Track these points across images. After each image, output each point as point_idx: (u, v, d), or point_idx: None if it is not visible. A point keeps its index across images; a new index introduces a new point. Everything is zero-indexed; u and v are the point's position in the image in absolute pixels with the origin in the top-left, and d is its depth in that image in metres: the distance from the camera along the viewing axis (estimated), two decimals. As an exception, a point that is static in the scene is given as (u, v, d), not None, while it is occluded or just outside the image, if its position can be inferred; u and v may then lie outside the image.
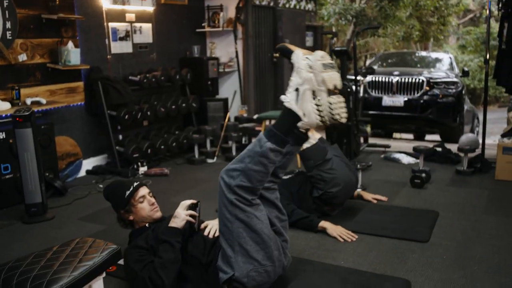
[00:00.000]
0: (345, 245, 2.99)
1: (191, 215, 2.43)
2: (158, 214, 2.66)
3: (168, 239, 2.31)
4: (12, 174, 3.93)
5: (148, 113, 5.15)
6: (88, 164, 4.92)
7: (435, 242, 3.00)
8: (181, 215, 2.41)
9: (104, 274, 1.82)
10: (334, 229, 3.13)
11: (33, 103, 4.18)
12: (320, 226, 3.16)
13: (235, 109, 6.38)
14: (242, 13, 6.29)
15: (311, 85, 2.01)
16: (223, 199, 2.15)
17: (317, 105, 2.01)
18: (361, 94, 5.21)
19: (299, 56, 2.05)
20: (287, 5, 8.48)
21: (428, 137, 9.40)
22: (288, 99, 2.06)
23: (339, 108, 2.03)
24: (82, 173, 4.84)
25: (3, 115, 3.92)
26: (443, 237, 3.07)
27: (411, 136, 9.69)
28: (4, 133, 3.86)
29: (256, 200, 2.18)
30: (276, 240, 2.27)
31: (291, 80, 2.07)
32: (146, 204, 2.62)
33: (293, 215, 3.15)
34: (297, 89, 2.03)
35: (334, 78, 2.05)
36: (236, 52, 6.39)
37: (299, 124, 2.05)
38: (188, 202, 2.49)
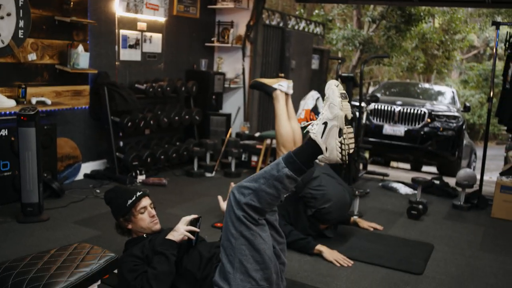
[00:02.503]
0: (339, 271, 2.98)
1: (190, 231, 2.42)
2: (157, 226, 2.65)
3: (163, 251, 2.30)
4: (10, 172, 3.92)
5: (151, 122, 5.16)
6: (86, 167, 4.91)
7: (429, 275, 2.99)
8: (180, 230, 2.41)
9: (99, 282, 1.81)
10: (330, 253, 3.13)
11: (38, 102, 4.18)
12: (316, 249, 3.15)
13: (238, 125, 6.40)
14: (252, 31, 6.35)
15: (340, 123, 2.03)
16: (230, 214, 2.15)
17: (341, 143, 2.03)
18: (363, 121, 5.23)
19: (335, 92, 2.06)
20: (296, 27, 8.57)
21: (425, 168, 9.44)
22: (315, 131, 2.08)
23: (349, 139, 2.05)
24: (80, 176, 4.83)
25: (7, 112, 3.92)
26: (437, 271, 3.07)
27: (408, 166, 9.73)
28: (6, 130, 3.86)
29: (262, 220, 2.19)
30: (276, 263, 2.27)
31: (321, 113, 2.10)
32: (147, 215, 2.61)
33: (290, 236, 3.14)
34: (325, 123, 2.05)
35: (348, 108, 2.07)
36: (243, 69, 6.43)
37: (319, 157, 2.07)
38: (189, 217, 2.48)
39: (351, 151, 2.05)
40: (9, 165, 3.91)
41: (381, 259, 3.18)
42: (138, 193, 2.63)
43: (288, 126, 3.45)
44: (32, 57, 4.19)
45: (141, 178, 4.82)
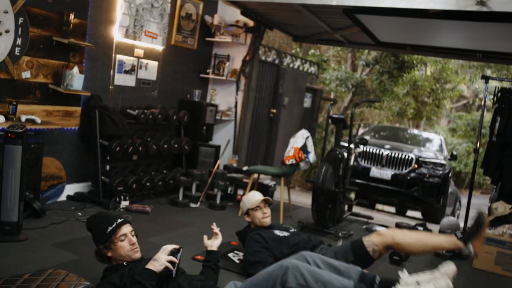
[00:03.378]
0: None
1: (170, 261, 2.39)
2: (138, 255, 2.61)
3: (142, 281, 2.26)
4: (-8, 189, 3.85)
5: (140, 148, 5.14)
6: (70, 189, 4.86)
7: (408, 324, 2.95)
8: (161, 259, 2.37)
9: (73, 310, 1.76)
10: None
11: (27, 120, 4.16)
12: None
13: (226, 158, 6.40)
14: (248, 66, 6.43)
15: None
16: None
17: None
18: (351, 163, 5.26)
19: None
20: (291, 65, 8.71)
21: (410, 213, 9.46)
22: (407, 282, 2.13)
23: None
24: (63, 197, 4.77)
25: (-4, 128, 3.89)
26: (415, 320, 3.03)
27: (393, 209, 9.75)
28: (-8, 146, 3.82)
29: None
30: None
31: (423, 274, 2.18)
32: (127, 243, 2.57)
33: (258, 266, 3.11)
34: (418, 283, 2.11)
35: None
36: (236, 102, 6.48)
37: None
38: (170, 247, 2.45)
39: None
40: (-8, 182, 3.84)
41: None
42: (119, 220, 2.60)
43: None
44: (26, 75, 4.20)
45: (124, 204, 4.77)
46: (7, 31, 3.95)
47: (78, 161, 4.91)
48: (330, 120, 5.17)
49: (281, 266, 2.15)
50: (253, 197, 3.65)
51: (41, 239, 3.60)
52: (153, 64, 5.62)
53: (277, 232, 3.45)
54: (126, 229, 2.60)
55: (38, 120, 4.26)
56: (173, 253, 2.42)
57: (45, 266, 3.11)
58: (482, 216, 3.03)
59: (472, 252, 3.04)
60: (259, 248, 3.26)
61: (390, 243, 3.08)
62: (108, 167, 5.06)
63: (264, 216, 3.59)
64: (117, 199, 4.78)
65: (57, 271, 1.78)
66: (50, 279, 1.71)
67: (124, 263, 2.55)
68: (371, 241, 3.10)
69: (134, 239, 2.62)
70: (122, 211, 4.65)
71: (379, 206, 10.04)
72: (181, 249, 2.46)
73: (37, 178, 4.26)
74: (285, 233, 3.45)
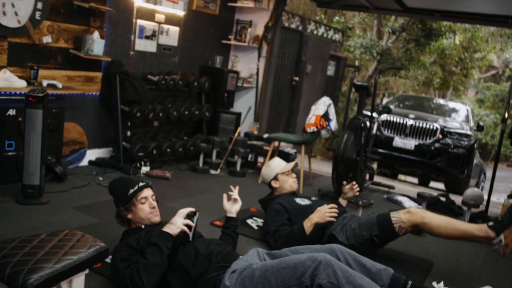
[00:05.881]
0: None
1: (187, 225, 2.39)
2: (157, 218, 2.63)
3: (157, 242, 2.27)
4: (15, 152, 3.92)
5: (160, 114, 5.14)
6: (92, 154, 4.91)
7: (426, 294, 2.93)
8: (177, 223, 2.37)
9: (87, 271, 1.78)
10: (320, 215, 3.07)
11: (49, 85, 4.18)
12: (308, 227, 3.07)
13: (247, 125, 6.37)
14: (270, 32, 6.31)
15: None
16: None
17: None
18: (374, 132, 5.16)
19: None
20: (315, 32, 8.53)
21: (432, 184, 9.34)
22: None
23: None
24: (84, 162, 4.83)
25: (17, 93, 3.92)
26: (434, 290, 3.00)
27: (415, 180, 9.64)
28: (15, 110, 3.86)
29: None
30: None
31: None
32: (147, 206, 2.59)
33: (282, 240, 3.09)
34: None
35: None
36: (258, 69, 6.40)
37: None
38: (186, 210, 2.45)
39: None
40: (14, 145, 3.91)
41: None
42: (141, 183, 2.63)
43: None
44: (47, 39, 4.19)
45: (145, 169, 4.80)
46: (27, -5, 3.92)
47: (99, 127, 4.94)
48: (353, 88, 5.07)
49: (314, 259, 2.09)
50: (282, 163, 3.61)
51: (62, 202, 3.66)
52: (174, 30, 5.56)
53: (298, 200, 3.40)
54: (147, 192, 2.62)
55: (59, 85, 4.27)
56: (189, 216, 2.41)
57: (65, 228, 3.16)
58: None
59: (503, 242, 2.89)
60: (279, 218, 3.24)
61: (418, 222, 3.01)
62: (129, 133, 5.09)
63: (294, 181, 3.57)
64: (138, 164, 4.81)
65: (73, 232, 1.79)
66: (66, 240, 1.72)
67: (142, 226, 2.57)
68: (398, 218, 3.05)
69: (155, 203, 2.64)
70: (142, 177, 4.69)
71: (401, 177, 9.94)
72: (198, 212, 2.45)
73: (58, 143, 4.30)
74: (307, 202, 3.42)
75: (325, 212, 3.09)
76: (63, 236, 1.77)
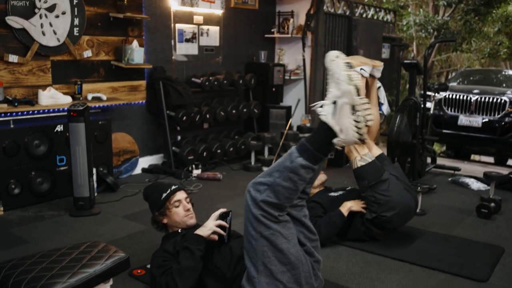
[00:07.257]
0: (390, 275, 2.73)
1: (220, 226, 2.30)
2: (192, 221, 2.57)
3: (189, 246, 2.21)
4: (67, 166, 4.02)
5: (207, 115, 5.11)
6: (144, 162, 4.96)
7: (495, 283, 2.65)
8: (208, 224, 2.30)
9: (111, 282, 1.73)
10: (355, 203, 3.11)
11: (94, 98, 4.26)
12: (345, 212, 3.07)
13: (298, 118, 6.20)
14: (312, 20, 6.11)
15: (351, 99, 1.80)
16: (248, 214, 2.00)
17: (355, 121, 1.80)
18: (431, 111, 4.83)
19: (338, 65, 1.85)
20: (364, 15, 8.19)
21: (511, 162, 8.68)
22: (325, 112, 1.86)
23: (365, 111, 1.81)
24: (137, 170, 4.89)
25: (63, 109, 4.02)
26: (505, 279, 2.72)
27: (491, 159, 9.01)
28: (62, 126, 3.96)
29: (284, 216, 2.02)
30: (306, 261, 2.10)
31: (328, 91, 1.88)
32: (181, 209, 2.55)
33: (321, 228, 2.99)
34: (334, 102, 1.83)
35: (356, 78, 1.83)
36: (304, 60, 6.21)
37: (335, 140, 1.85)
38: (218, 212, 2.36)
39: (369, 123, 1.81)
40: (65, 160, 4.01)
41: (440, 263, 2.87)
42: (173, 187, 2.59)
43: None
44: (87, 54, 4.27)
45: (196, 172, 4.78)
46: (63, 13, 4.01)
47: (149, 134, 4.99)
48: (402, 67, 4.77)
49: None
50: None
51: (113, 212, 3.70)
52: (215, 30, 5.51)
53: (331, 194, 3.35)
54: (181, 195, 2.57)
55: (104, 97, 4.34)
56: (222, 217, 2.33)
57: (113, 237, 3.19)
58: None
59: None
60: (314, 212, 3.14)
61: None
62: (179, 138, 5.10)
63: (322, 174, 3.52)
64: (189, 168, 4.80)
65: (95, 243, 1.75)
66: (86, 252, 1.68)
67: (179, 230, 2.52)
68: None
69: (189, 206, 2.59)
70: (194, 180, 4.67)
71: (476, 157, 9.35)
72: (230, 212, 2.36)
73: (108, 154, 4.38)
74: (341, 192, 3.34)
75: (361, 202, 3.13)
76: (83, 248, 1.73)
